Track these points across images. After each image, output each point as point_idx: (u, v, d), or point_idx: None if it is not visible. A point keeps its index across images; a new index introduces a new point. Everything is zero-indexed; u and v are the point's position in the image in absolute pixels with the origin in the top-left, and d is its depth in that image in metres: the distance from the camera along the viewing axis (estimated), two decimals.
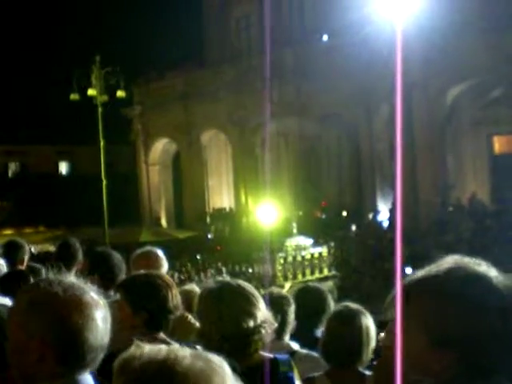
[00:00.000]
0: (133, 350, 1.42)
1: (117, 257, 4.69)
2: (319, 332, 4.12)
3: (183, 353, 1.39)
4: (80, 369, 1.88)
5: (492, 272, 1.54)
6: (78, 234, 24.92)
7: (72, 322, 1.82)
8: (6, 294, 3.56)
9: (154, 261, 4.57)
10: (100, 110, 21.48)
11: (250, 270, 19.66)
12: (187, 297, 4.57)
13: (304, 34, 29.95)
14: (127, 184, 36.00)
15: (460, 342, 1.46)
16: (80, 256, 5.23)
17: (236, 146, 30.68)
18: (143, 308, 3.21)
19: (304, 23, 30.69)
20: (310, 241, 18.39)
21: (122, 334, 2.81)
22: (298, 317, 4.31)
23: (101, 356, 1.90)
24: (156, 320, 3.24)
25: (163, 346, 1.41)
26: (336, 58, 25.32)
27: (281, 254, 16.88)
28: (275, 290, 4.72)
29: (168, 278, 3.45)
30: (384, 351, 1.76)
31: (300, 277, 16.95)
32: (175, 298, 3.30)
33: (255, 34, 31.85)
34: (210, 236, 29.38)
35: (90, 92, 21.44)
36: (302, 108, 27.20)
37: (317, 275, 17.47)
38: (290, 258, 16.96)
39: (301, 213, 25.32)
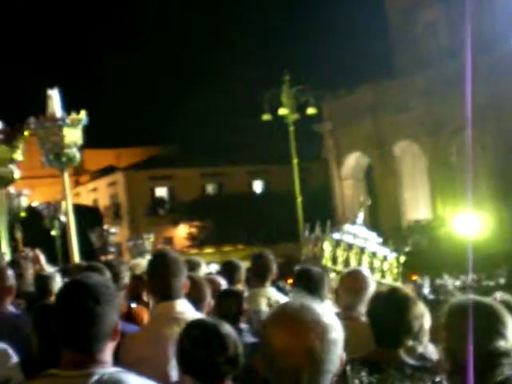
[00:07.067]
0: None
1: (317, 271, 4.82)
2: None
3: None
4: None
5: None
6: (276, 250, 25.43)
7: None
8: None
9: (360, 281, 4.36)
10: (292, 128, 21.81)
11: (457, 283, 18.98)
12: None
13: (495, 37, 28.69)
14: (319, 199, 36.26)
15: None
16: (274, 267, 5.31)
17: (430, 156, 29.89)
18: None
19: (495, 26, 29.46)
20: None
21: None
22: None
23: None
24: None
25: None
26: None
27: None
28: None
29: (408, 292, 3.27)
30: None
31: None
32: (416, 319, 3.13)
33: (444, 40, 31.07)
34: (406, 249, 28.71)
35: (281, 111, 21.82)
36: (499, 111, 25.97)
37: None
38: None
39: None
